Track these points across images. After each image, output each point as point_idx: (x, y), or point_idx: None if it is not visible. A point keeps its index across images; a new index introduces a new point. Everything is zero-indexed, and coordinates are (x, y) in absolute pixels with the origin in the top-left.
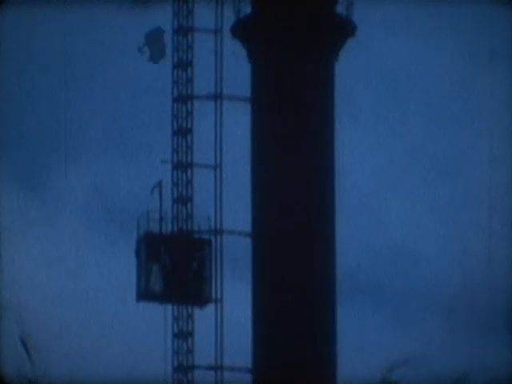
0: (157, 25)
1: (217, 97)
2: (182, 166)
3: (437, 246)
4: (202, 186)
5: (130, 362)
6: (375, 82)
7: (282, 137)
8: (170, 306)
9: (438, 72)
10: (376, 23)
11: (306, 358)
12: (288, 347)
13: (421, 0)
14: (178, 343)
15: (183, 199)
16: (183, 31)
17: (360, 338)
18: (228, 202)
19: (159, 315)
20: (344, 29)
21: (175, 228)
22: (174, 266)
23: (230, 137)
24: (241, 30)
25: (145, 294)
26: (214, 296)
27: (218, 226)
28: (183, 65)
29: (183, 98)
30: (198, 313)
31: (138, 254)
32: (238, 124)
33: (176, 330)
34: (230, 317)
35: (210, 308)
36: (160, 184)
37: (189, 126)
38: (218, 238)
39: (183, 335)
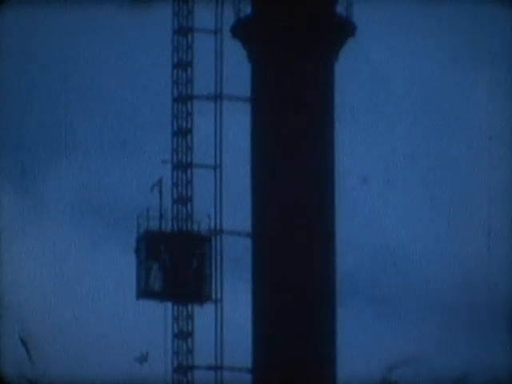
0: (157, 25)
1: (217, 97)
2: (182, 166)
3: (437, 246)
4: (202, 186)
5: (130, 362)
6: (375, 82)
7: (282, 137)
8: (169, 306)
9: (437, 72)
10: (376, 23)
11: (306, 358)
12: (288, 347)
13: (421, 0)
14: (177, 343)
15: (183, 199)
16: (183, 31)
17: (360, 338)
18: (228, 202)
19: (159, 315)
20: (344, 29)
21: (175, 228)
22: (174, 264)
23: (229, 137)
24: (241, 30)
25: (145, 292)
26: (213, 294)
27: (218, 225)
28: (183, 65)
29: (183, 98)
30: (198, 313)
31: (137, 252)
32: (238, 124)
33: (176, 330)
34: (230, 317)
35: (210, 308)
36: (160, 182)
37: (189, 126)
38: (218, 237)
39: (183, 335)
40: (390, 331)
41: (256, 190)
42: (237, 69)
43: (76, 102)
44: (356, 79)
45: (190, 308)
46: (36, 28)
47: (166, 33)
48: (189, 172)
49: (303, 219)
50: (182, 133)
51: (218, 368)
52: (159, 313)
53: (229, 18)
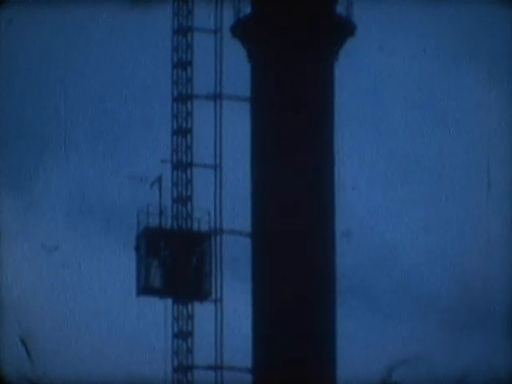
0: (156, 24)
1: (217, 97)
2: (182, 165)
3: (437, 246)
4: (202, 185)
5: (130, 362)
6: (375, 82)
7: (282, 137)
8: (170, 306)
9: (437, 72)
10: (376, 23)
11: (306, 357)
12: (288, 347)
13: (421, 0)
14: (177, 343)
15: (183, 199)
16: (183, 31)
17: (360, 338)
18: (228, 202)
19: (159, 315)
20: (344, 29)
21: (175, 226)
22: (174, 261)
23: (229, 137)
24: (241, 30)
25: (145, 289)
26: (213, 291)
27: (218, 225)
28: (183, 65)
29: (183, 98)
30: (198, 313)
31: (137, 248)
32: (238, 124)
33: (176, 329)
34: (230, 317)
35: (210, 308)
36: (160, 178)
37: (189, 125)
38: (218, 237)
39: (183, 335)
40: (390, 331)
41: (256, 190)
42: (237, 69)
43: (76, 101)
44: (356, 79)
45: (190, 307)
46: (36, 28)
47: (166, 32)
48: (188, 172)
49: (303, 219)
50: (182, 132)
51: (217, 368)
52: (159, 313)
53: (229, 18)
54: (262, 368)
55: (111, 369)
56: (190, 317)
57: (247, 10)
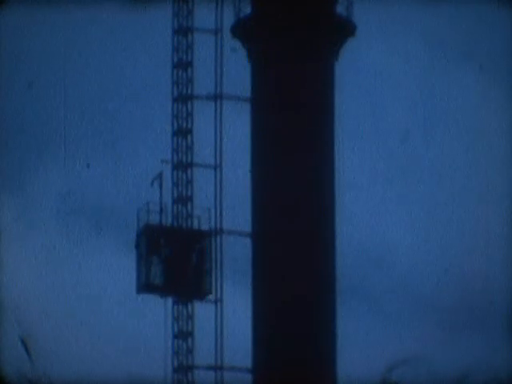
0: (157, 25)
1: (217, 97)
2: (182, 165)
3: (437, 247)
4: (202, 185)
5: (130, 362)
6: (375, 82)
7: (282, 137)
8: (170, 306)
9: (437, 72)
10: (376, 23)
11: (306, 358)
12: (288, 347)
13: (421, 0)
14: (177, 343)
15: (183, 199)
16: (183, 31)
17: (360, 338)
18: (228, 202)
19: (159, 315)
20: (344, 29)
21: (175, 225)
22: (174, 259)
23: (229, 137)
24: (241, 30)
25: (145, 287)
26: (213, 288)
27: (218, 225)
28: (183, 65)
29: (183, 98)
30: (198, 313)
31: (137, 246)
32: (238, 124)
33: (176, 329)
34: (230, 317)
35: (210, 308)
36: (160, 176)
37: (189, 125)
38: (218, 237)
39: (183, 335)
40: (390, 331)
41: (256, 190)
42: (237, 69)
43: (76, 101)
44: (356, 79)
45: (190, 308)
46: (36, 28)
47: (166, 33)
48: (189, 172)
49: (303, 219)
50: (182, 133)
51: (218, 368)
52: (159, 313)
53: (229, 18)
54: (262, 368)
55: (111, 369)
56: (190, 317)
57: (247, 9)
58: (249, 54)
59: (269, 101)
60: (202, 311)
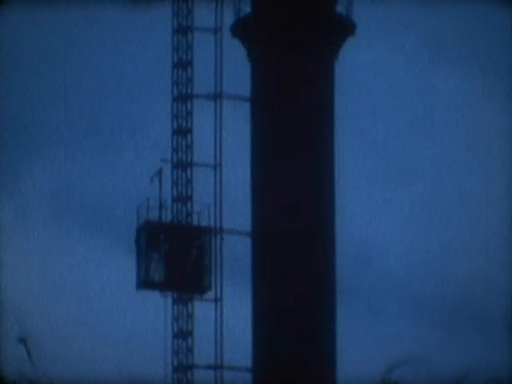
0: (156, 24)
1: (217, 96)
2: (182, 165)
3: (437, 247)
4: (202, 185)
5: (130, 362)
6: (375, 82)
7: (282, 137)
8: (170, 305)
9: (437, 72)
10: (376, 23)
11: (306, 357)
12: (288, 347)
13: (421, 0)
14: (177, 342)
15: (183, 198)
16: (183, 31)
17: (360, 338)
18: (228, 202)
19: (159, 315)
20: (344, 28)
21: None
22: (174, 255)
23: (229, 136)
24: (241, 30)
25: (145, 283)
26: (213, 285)
27: (218, 225)
28: (183, 64)
29: (183, 98)
30: (198, 312)
31: (137, 242)
32: (238, 123)
33: (176, 329)
34: (230, 316)
35: (210, 308)
36: (160, 172)
37: (189, 125)
38: (218, 237)
39: (183, 334)
40: (390, 331)
41: (256, 190)
42: (237, 68)
43: (76, 100)
44: (356, 78)
45: (190, 307)
46: (36, 28)
47: (166, 32)
48: (189, 171)
49: (303, 219)
50: (182, 132)
51: (217, 367)
52: (159, 312)
53: (229, 18)
54: (262, 368)
55: (111, 368)
56: (190, 316)
57: (247, 9)
58: (249, 54)
59: (269, 100)
60: (202, 310)
